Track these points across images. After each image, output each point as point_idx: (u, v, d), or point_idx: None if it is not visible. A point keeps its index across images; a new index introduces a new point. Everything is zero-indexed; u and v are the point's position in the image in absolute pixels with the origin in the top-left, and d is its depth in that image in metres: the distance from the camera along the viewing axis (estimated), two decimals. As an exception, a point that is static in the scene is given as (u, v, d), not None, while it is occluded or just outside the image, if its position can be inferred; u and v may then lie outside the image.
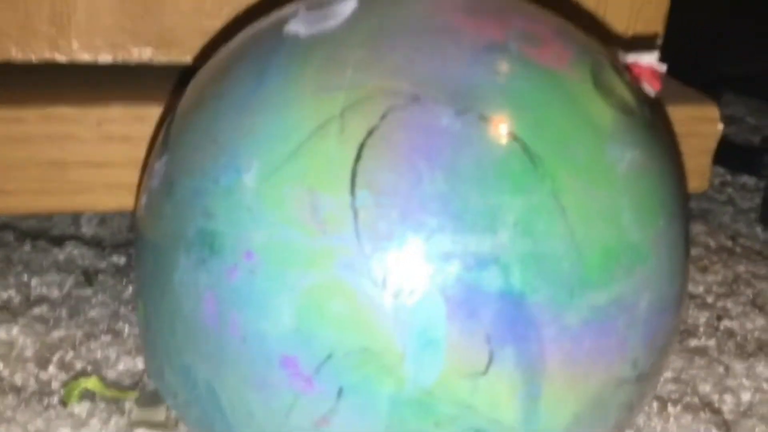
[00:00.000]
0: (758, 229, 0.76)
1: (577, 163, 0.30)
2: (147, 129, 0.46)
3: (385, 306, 0.28)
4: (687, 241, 0.34)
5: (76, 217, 0.73)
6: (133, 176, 0.47)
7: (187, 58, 0.48)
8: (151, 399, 0.46)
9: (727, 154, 0.82)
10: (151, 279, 0.33)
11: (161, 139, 0.35)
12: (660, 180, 0.32)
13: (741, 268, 0.67)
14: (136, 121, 0.46)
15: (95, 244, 0.68)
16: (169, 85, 0.48)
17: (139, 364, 0.50)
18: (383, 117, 0.29)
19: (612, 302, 0.30)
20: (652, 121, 0.34)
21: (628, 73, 0.35)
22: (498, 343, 0.28)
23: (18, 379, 0.48)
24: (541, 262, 0.28)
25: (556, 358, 0.29)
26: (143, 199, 0.34)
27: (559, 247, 0.29)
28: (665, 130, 0.34)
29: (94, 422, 0.44)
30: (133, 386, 0.47)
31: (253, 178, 0.30)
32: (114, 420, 0.44)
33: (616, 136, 0.31)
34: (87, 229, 0.71)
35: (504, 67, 0.30)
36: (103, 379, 0.47)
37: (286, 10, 0.34)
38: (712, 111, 0.52)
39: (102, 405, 0.45)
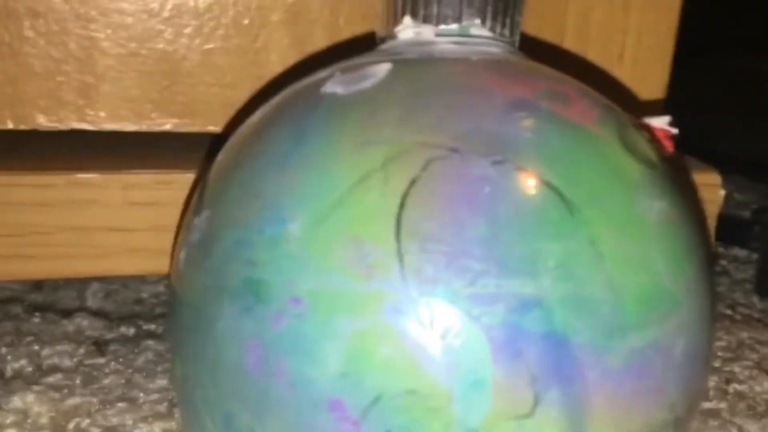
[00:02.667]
0: (755, 299, 0.77)
1: (611, 212, 0.31)
2: (171, 194, 0.47)
3: (431, 348, 0.29)
4: (714, 292, 0.35)
5: (81, 291, 0.73)
6: (156, 241, 0.48)
7: (210, 128, 0.50)
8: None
9: (720, 228, 0.85)
10: (189, 334, 0.34)
11: (198, 197, 0.36)
12: (687, 230, 0.33)
13: (744, 335, 0.68)
14: (161, 187, 0.47)
15: (103, 315, 0.68)
16: (193, 152, 0.49)
17: (156, 430, 0.50)
18: (424, 168, 0.30)
19: (649, 346, 0.31)
20: (673, 176, 0.35)
21: (647, 132, 0.37)
22: (543, 384, 0.29)
23: (34, 448, 0.48)
24: (582, 305, 0.29)
25: (600, 401, 0.30)
26: (181, 255, 0.35)
27: (598, 291, 0.30)
28: (685, 185, 0.35)
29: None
30: (152, 453, 0.47)
31: (298, 227, 0.31)
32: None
33: (644, 188, 0.32)
34: (93, 302, 0.72)
35: (535, 122, 0.32)
36: (125, 441, 0.47)
37: (321, 73, 0.36)
38: (714, 177, 0.54)
39: (122, 470, 0.45)
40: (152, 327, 0.66)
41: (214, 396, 0.32)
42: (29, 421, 0.50)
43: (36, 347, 0.59)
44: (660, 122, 0.41)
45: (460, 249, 0.29)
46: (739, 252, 0.90)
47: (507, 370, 0.29)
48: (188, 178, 0.47)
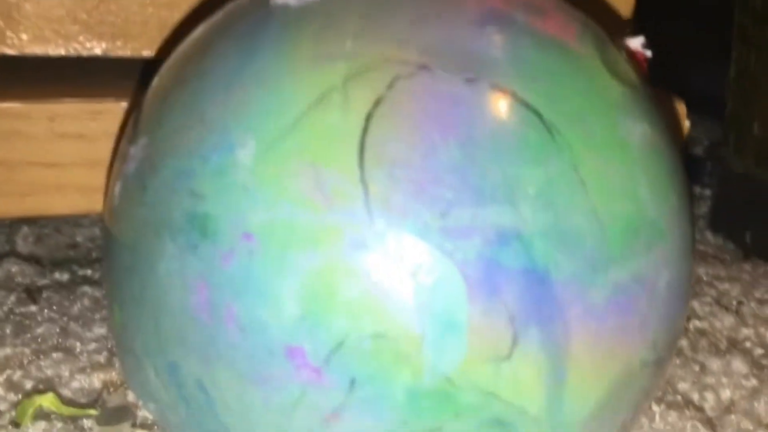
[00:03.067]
0: (709, 235, 0.76)
1: (594, 135, 0.28)
2: (102, 125, 0.43)
3: (400, 287, 0.26)
4: (693, 223, 0.33)
5: (10, 235, 0.68)
6: (87, 176, 0.44)
7: (145, 52, 0.46)
8: (113, 416, 0.42)
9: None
10: (128, 276, 0.30)
11: (133, 124, 0.32)
12: (668, 156, 0.31)
13: (701, 271, 0.67)
14: (91, 117, 0.43)
15: (34, 261, 0.64)
16: (126, 79, 0.45)
17: (96, 381, 0.47)
18: (390, 86, 0.27)
19: (634, 279, 0.28)
20: (652, 99, 0.33)
21: (624, 52, 0.34)
22: (522, 324, 0.26)
23: (-39, 402, 0.44)
24: (564, 237, 0.27)
25: (581, 339, 0.27)
26: (116, 188, 0.31)
27: (581, 221, 0.27)
28: (662, 110, 0.33)
29: (53, 443, 0.41)
30: (92, 404, 0.44)
31: (248, 155, 0.27)
32: (73, 440, 0.41)
33: (626, 109, 0.30)
34: (23, 247, 0.67)
35: (511, 36, 0.29)
36: (59, 396, 0.44)
37: (269, -17, 0.32)
38: (680, 107, 0.52)
39: (59, 424, 0.42)
40: (88, 272, 0.62)
41: (156, 344, 0.29)
42: (-46, 375, 0.46)
43: (-39, 295, 0.55)
44: (636, 43, 0.39)
45: (432, 176, 0.26)
46: (692, 188, 0.89)
47: (484, 309, 0.26)
48: (121, 107, 0.43)
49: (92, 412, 0.42)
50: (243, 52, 0.29)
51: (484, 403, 0.27)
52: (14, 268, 0.61)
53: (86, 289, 0.58)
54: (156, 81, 0.32)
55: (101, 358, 0.49)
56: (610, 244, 0.28)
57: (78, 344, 0.50)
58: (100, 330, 0.52)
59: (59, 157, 0.43)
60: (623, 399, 0.29)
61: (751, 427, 0.46)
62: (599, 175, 0.28)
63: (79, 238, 0.70)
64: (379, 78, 0.27)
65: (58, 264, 0.63)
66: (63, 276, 0.61)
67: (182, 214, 0.28)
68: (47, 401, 0.42)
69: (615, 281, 0.28)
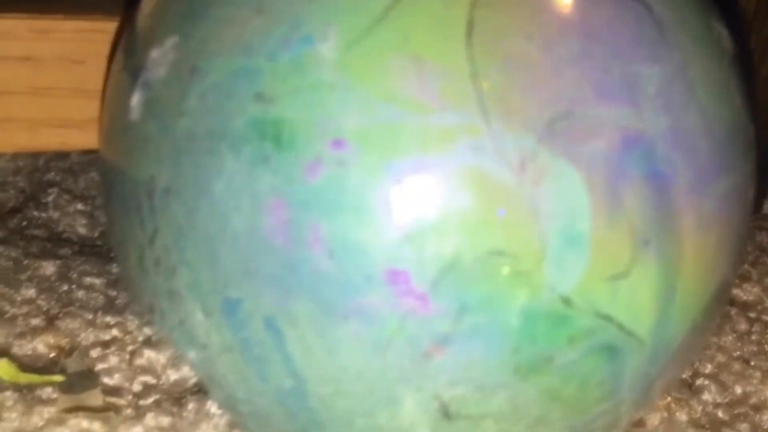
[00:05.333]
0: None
1: (697, 35, 0.26)
2: (50, 46, 0.37)
3: (523, 196, 0.23)
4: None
5: None
6: (34, 106, 0.37)
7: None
8: (80, 382, 0.37)
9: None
10: (162, 207, 0.25)
11: (147, 23, 0.27)
12: (741, 64, 0.29)
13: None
14: (37, 37, 0.37)
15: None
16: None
17: (40, 347, 0.40)
18: (494, -29, 0.24)
19: (734, 190, 0.26)
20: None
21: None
22: (642, 237, 0.24)
23: None
24: (682, 141, 0.24)
25: (691, 254, 0.25)
26: (134, 99, 0.26)
27: (695, 124, 0.25)
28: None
29: (12, 416, 0.35)
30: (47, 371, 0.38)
31: (331, 48, 0.23)
32: (38, 411, 0.35)
33: (714, 13, 0.28)
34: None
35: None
36: (13, 359, 0.37)
37: None
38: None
39: (10, 395, 0.36)
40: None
41: (209, 279, 0.24)
42: None
43: None
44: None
45: (551, 70, 0.23)
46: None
47: (607, 220, 0.23)
48: (72, 25, 0.37)
49: (57, 378, 0.36)
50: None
51: (597, 327, 0.24)
52: None
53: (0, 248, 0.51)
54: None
55: (40, 321, 0.42)
56: (719, 151, 0.26)
57: (9, 307, 0.43)
58: (29, 292, 0.45)
59: (1, 84, 0.37)
60: (712, 317, 0.28)
61: None
62: (705, 77, 0.26)
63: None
64: (479, -38, 0.24)
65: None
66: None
67: (246, 121, 0.23)
68: (2, 369, 0.36)
69: (721, 192, 0.26)
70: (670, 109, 0.24)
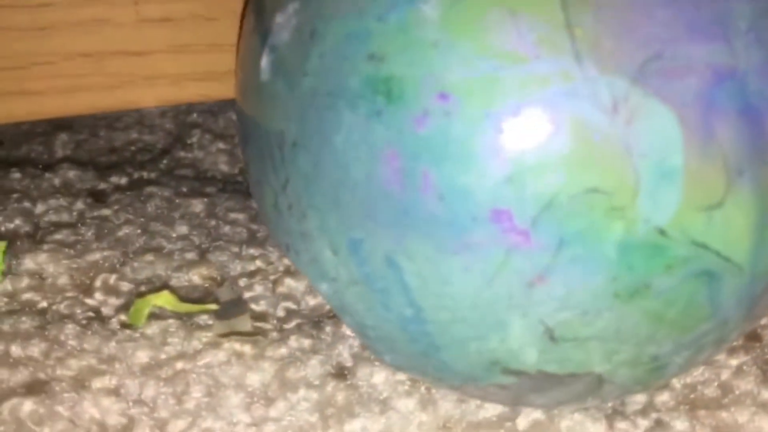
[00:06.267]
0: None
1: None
2: (185, 7, 0.41)
3: (616, 135, 0.24)
4: None
5: (47, 145, 0.66)
6: (175, 63, 0.41)
7: None
8: (229, 311, 0.41)
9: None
10: (291, 157, 0.28)
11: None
12: None
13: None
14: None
15: (87, 166, 0.61)
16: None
17: (196, 278, 0.45)
18: None
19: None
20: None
21: None
22: (735, 168, 0.25)
23: (64, 308, 0.43)
24: (775, 74, 0.25)
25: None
26: (261, 63, 0.29)
27: (789, 56, 0.25)
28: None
29: (175, 341, 0.40)
30: (198, 302, 0.43)
31: (433, 7, 0.25)
32: (197, 336, 0.40)
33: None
34: (64, 152, 0.64)
35: None
36: (173, 291, 0.42)
37: None
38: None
39: (173, 322, 0.40)
40: (144, 174, 0.60)
41: (336, 221, 0.27)
42: (48, 282, 0.45)
43: (27, 205, 0.53)
44: None
45: (642, 13, 0.24)
46: None
47: (700, 154, 0.25)
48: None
49: (212, 306, 0.41)
50: None
51: (694, 255, 0.26)
52: (70, 174, 0.58)
53: (152, 189, 0.56)
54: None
55: (194, 255, 0.47)
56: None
57: (166, 243, 0.49)
58: (181, 228, 0.50)
59: (146, 45, 0.40)
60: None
61: None
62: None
63: (117, 143, 0.67)
64: None
65: (112, 167, 0.61)
66: (121, 179, 0.59)
67: (360, 79, 0.26)
68: (162, 300, 0.41)
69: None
70: (763, 44, 0.25)
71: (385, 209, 0.26)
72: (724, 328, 0.29)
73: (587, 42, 0.24)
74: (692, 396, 0.35)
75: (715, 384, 0.36)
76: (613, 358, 0.28)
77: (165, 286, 0.44)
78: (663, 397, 0.35)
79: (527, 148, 0.25)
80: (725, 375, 0.37)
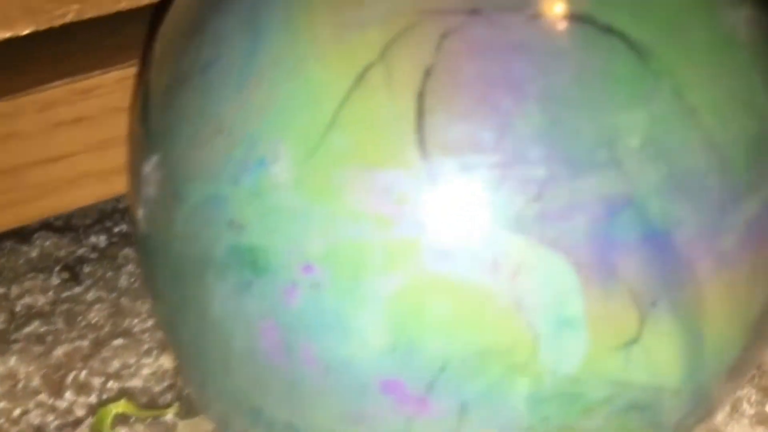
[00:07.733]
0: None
1: (694, 43, 0.23)
2: (96, 102, 0.38)
3: (502, 292, 0.22)
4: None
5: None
6: (99, 161, 0.39)
7: (123, 3, 0.40)
8: (193, 406, 0.40)
9: None
10: (177, 311, 0.26)
11: (141, 132, 0.27)
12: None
13: None
14: (83, 98, 0.38)
15: (64, 231, 0.60)
16: (105, 41, 0.40)
17: (165, 362, 0.44)
18: (438, 48, 0.22)
19: (764, 206, 0.24)
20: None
21: None
22: (647, 299, 0.22)
23: (35, 417, 0.42)
24: (682, 186, 0.22)
25: (716, 294, 0.23)
26: (140, 212, 0.27)
27: (699, 160, 0.22)
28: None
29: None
30: (166, 391, 0.41)
31: (284, 169, 0.22)
32: (163, 439, 0.38)
33: (722, -4, 0.24)
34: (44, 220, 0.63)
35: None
36: (132, 397, 0.41)
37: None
38: None
39: (140, 427, 0.39)
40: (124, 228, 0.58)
41: (231, 391, 0.25)
42: (19, 387, 0.44)
43: (2, 289, 0.52)
44: None
45: (513, 154, 0.21)
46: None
47: (602, 295, 0.22)
48: (112, 77, 0.38)
49: (171, 410, 0.40)
50: (247, 32, 0.24)
51: (616, 393, 0.23)
52: (48, 243, 0.57)
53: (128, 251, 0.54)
54: (154, 75, 0.27)
55: (163, 337, 0.46)
56: (735, 176, 0.23)
57: (135, 322, 0.47)
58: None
59: (63, 149, 0.38)
60: (761, 338, 0.26)
61: None
62: (710, 93, 0.23)
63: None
64: (422, 39, 0.22)
65: (90, 226, 0.60)
66: (99, 239, 0.57)
67: (224, 248, 0.23)
68: (122, 408, 0.40)
69: (746, 216, 0.23)
70: (663, 156, 0.22)
71: (274, 381, 0.24)
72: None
73: (454, 194, 0.21)
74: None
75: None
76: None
77: (135, 375, 0.43)
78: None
79: (405, 315, 0.22)
80: None
